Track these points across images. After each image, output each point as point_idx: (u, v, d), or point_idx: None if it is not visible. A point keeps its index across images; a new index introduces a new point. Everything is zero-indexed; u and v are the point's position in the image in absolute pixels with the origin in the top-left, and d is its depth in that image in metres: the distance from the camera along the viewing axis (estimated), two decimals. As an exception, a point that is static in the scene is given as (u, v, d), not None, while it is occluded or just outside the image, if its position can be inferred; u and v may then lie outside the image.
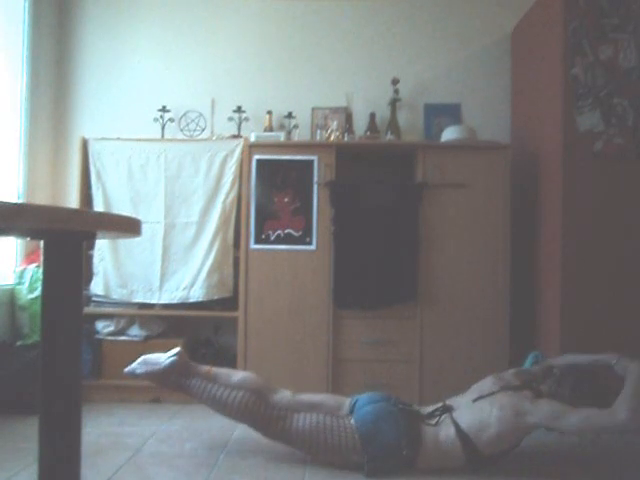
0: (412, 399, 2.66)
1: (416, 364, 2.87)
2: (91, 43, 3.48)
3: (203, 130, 3.34)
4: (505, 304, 2.87)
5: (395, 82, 3.25)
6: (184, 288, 3.00)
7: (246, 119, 3.29)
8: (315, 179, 2.92)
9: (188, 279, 3.01)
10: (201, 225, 3.04)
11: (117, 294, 3.03)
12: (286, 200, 2.93)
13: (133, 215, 1.69)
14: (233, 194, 3.04)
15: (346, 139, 3.10)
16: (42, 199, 3.28)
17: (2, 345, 2.80)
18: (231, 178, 3.05)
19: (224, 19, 3.47)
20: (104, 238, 1.95)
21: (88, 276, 3.03)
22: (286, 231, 2.92)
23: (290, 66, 3.44)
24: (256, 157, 2.95)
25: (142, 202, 3.07)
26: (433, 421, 2.08)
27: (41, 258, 2.57)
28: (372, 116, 3.24)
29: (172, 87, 3.43)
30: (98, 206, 3.08)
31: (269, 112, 3.25)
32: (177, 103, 3.36)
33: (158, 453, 2.20)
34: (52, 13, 3.42)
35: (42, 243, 1.14)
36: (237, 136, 3.17)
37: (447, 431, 2.03)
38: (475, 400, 2.08)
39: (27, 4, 3.18)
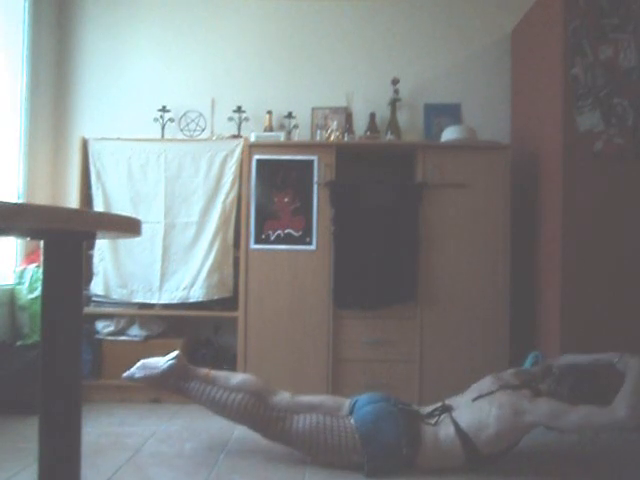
0: (412, 399, 2.66)
1: (416, 364, 2.87)
2: (91, 43, 3.48)
3: (203, 130, 3.34)
4: (505, 304, 2.87)
5: (395, 82, 3.26)
6: (184, 288, 3.00)
7: (246, 119, 3.29)
8: (315, 179, 2.92)
9: (188, 279, 3.01)
10: (201, 225, 3.04)
11: (117, 294, 3.03)
12: (286, 200, 2.93)
13: (133, 215, 1.69)
14: (233, 194, 3.04)
15: (346, 139, 3.10)
16: (42, 199, 3.28)
17: (2, 345, 2.80)
18: (231, 178, 3.05)
19: (224, 19, 3.47)
20: (104, 238, 1.95)
21: (88, 276, 3.03)
22: (286, 231, 2.92)
23: (290, 66, 3.44)
24: (256, 157, 2.95)
25: (142, 202, 3.07)
26: (433, 421, 2.09)
27: (41, 258, 2.57)
28: (372, 116, 3.24)
29: (172, 87, 3.43)
30: (98, 206, 3.08)
31: (269, 112, 3.25)
32: (177, 103, 3.36)
33: (158, 453, 2.21)
34: (52, 13, 3.42)
35: (42, 243, 1.14)
36: (237, 136, 3.17)
37: (447, 430, 2.04)
38: (474, 399, 2.08)
39: (27, 4, 3.18)
